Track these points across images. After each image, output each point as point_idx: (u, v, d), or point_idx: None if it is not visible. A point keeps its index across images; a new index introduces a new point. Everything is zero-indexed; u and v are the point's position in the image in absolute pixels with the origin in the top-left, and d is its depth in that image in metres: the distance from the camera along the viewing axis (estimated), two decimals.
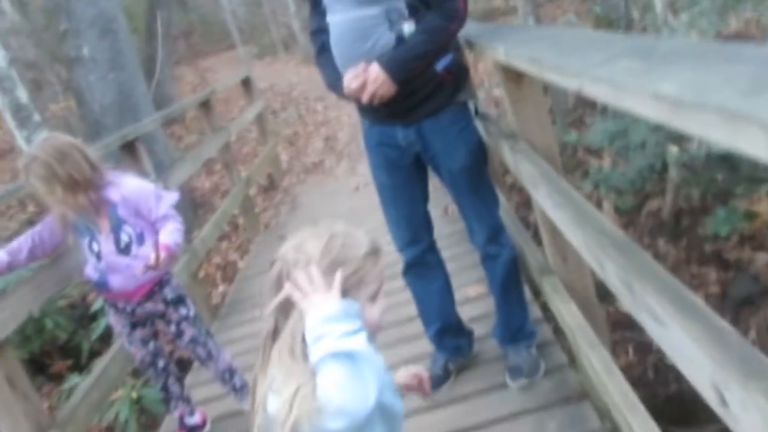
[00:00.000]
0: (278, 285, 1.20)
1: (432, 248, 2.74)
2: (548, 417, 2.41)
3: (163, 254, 2.33)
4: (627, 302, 1.27)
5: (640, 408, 1.62)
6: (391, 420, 1.23)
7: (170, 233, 2.44)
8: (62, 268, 2.64)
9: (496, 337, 2.83)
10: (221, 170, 6.51)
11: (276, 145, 7.73)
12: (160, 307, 2.62)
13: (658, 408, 3.94)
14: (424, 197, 2.68)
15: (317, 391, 1.06)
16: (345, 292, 1.16)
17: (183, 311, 2.67)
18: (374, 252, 1.24)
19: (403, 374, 1.47)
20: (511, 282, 2.70)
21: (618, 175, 4.35)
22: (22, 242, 2.50)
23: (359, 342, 1.09)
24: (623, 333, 4.49)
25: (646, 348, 4.42)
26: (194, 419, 2.89)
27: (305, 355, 1.12)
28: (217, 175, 7.92)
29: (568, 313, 2.10)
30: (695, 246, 4.36)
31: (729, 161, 3.62)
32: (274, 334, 1.21)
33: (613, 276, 1.29)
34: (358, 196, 5.97)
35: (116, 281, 2.51)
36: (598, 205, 4.87)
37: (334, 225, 1.24)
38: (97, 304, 4.61)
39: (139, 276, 2.43)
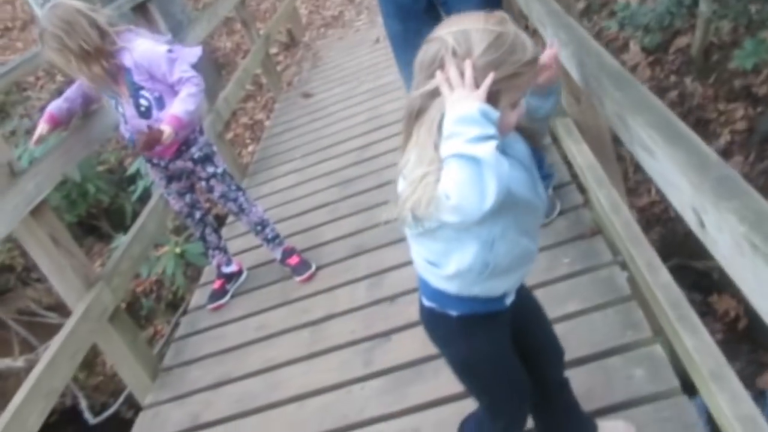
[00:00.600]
0: (430, 66, 1.19)
1: None
2: (562, 253, 2.52)
3: (167, 129, 2.40)
4: (624, 137, 1.30)
5: (643, 240, 1.70)
6: (528, 210, 1.30)
7: (182, 101, 2.46)
8: (90, 131, 2.73)
9: None
10: (242, 29, 6.40)
11: None
12: (189, 165, 2.72)
13: (678, 243, 4.05)
14: None
15: (440, 183, 1.11)
16: (492, 95, 1.14)
17: (210, 169, 2.77)
18: (534, 60, 1.20)
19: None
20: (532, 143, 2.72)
21: (645, 12, 4.18)
22: (75, 89, 2.63)
23: (487, 149, 1.09)
24: (647, 173, 4.52)
25: None
26: (231, 268, 3.08)
27: (438, 145, 1.14)
28: (237, 35, 7.77)
29: (580, 153, 2.14)
30: (724, 82, 4.25)
31: None
32: (418, 113, 1.20)
33: (609, 111, 1.31)
34: (378, 48, 5.86)
35: None
36: (625, 46, 4.72)
37: (506, 22, 1.18)
38: (133, 167, 4.77)
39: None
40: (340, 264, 3.01)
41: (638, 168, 4.49)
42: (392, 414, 2.09)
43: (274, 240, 3.03)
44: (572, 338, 2.13)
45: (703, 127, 4.53)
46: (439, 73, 1.16)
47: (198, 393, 2.52)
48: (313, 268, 2.98)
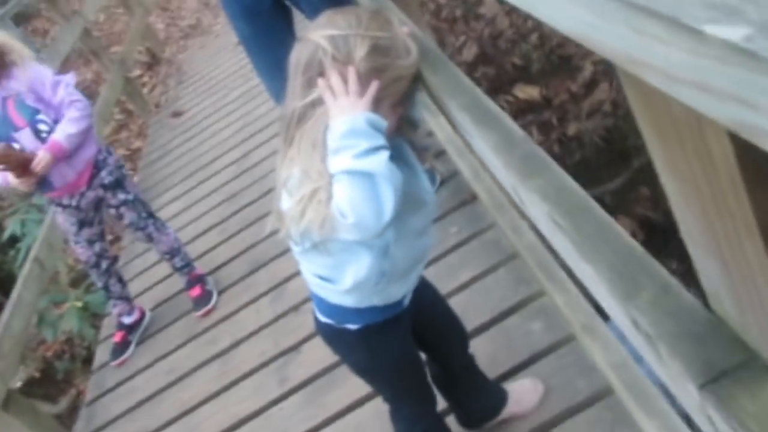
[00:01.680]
0: (308, 71, 1.11)
1: None
2: (448, 223, 2.54)
3: (45, 155, 2.28)
4: (451, 119, 1.29)
5: (506, 204, 1.72)
6: (418, 207, 1.25)
7: (63, 125, 2.35)
8: None
9: None
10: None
11: (147, 15, 7.21)
12: (100, 192, 2.61)
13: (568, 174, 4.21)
14: (293, 39, 2.59)
15: (333, 200, 1.05)
16: (375, 100, 1.09)
17: (121, 196, 2.67)
18: (416, 60, 1.15)
19: None
20: None
21: None
22: None
23: (379, 161, 1.04)
24: (526, 117, 4.64)
25: (548, 126, 4.60)
26: (133, 317, 2.96)
27: (325, 158, 1.07)
28: (95, 64, 7.43)
29: (438, 126, 2.15)
30: None
31: None
32: (299, 121, 1.13)
33: (435, 94, 1.31)
34: (241, 50, 5.68)
35: (57, 175, 2.44)
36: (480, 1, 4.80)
37: (388, 24, 1.13)
38: (8, 230, 4.50)
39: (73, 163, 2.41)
40: (240, 283, 2.94)
41: (518, 113, 4.61)
42: (315, 427, 2.07)
43: (182, 269, 2.93)
44: (470, 307, 2.17)
45: (566, 63, 4.68)
46: (320, 81, 1.09)
47: None
48: (212, 303, 2.88)
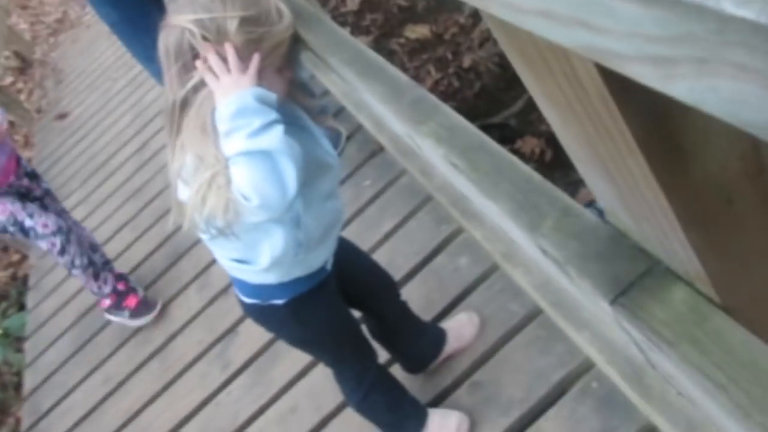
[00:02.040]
0: (180, 56, 1.06)
1: None
2: (361, 177, 2.53)
3: None
4: (337, 75, 1.27)
5: (411, 151, 1.71)
6: (323, 171, 1.22)
7: None
8: None
9: None
10: None
11: (6, 16, 6.71)
12: (26, 182, 2.51)
13: (470, 106, 4.24)
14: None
15: (232, 184, 1.01)
16: (260, 73, 1.05)
17: (44, 185, 2.61)
18: (291, 21, 1.11)
19: None
20: None
21: None
22: None
23: (274, 137, 1.01)
24: (421, 57, 4.63)
25: (444, 61, 4.61)
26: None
27: (216, 141, 1.04)
28: None
29: (331, 83, 2.10)
30: None
31: None
32: (183, 107, 1.08)
33: (317, 52, 1.27)
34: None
35: None
36: None
37: None
38: None
39: None
40: (163, 277, 2.85)
41: (413, 54, 4.60)
42: (266, 404, 2.06)
43: (105, 266, 2.74)
44: (397, 256, 2.18)
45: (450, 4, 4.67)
46: (199, 64, 1.05)
47: None
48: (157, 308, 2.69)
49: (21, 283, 4.42)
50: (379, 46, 4.39)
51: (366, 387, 1.57)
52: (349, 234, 2.39)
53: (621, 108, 0.39)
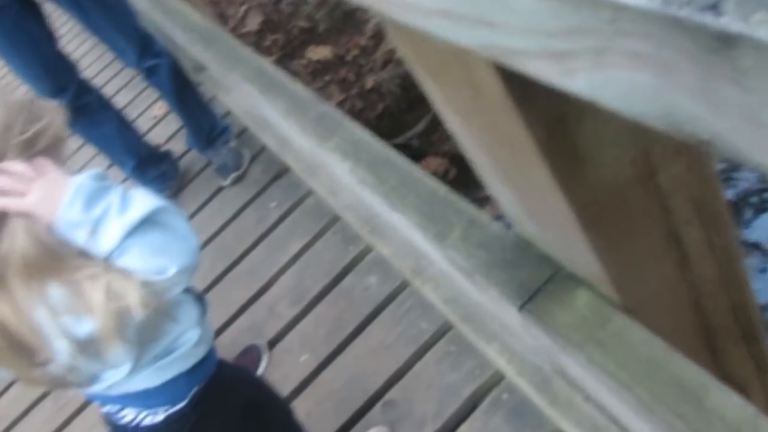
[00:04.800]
0: None
1: (84, 87, 2.49)
2: (267, 199, 2.49)
3: None
4: (238, 93, 1.24)
5: (317, 170, 1.71)
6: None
7: None
8: None
9: (193, 147, 2.77)
10: None
11: None
12: None
13: (373, 126, 4.28)
14: (48, 36, 2.36)
15: (134, 272, 0.89)
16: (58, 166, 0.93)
17: None
18: (58, 108, 0.99)
19: None
20: (181, 88, 2.56)
21: None
22: None
23: (140, 201, 0.90)
24: (323, 78, 4.65)
25: (347, 82, 4.65)
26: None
27: (75, 253, 0.89)
28: None
29: (233, 104, 2.07)
30: None
31: None
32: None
33: (216, 70, 1.24)
34: None
35: None
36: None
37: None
38: None
39: None
40: None
41: (315, 75, 4.60)
42: None
43: None
44: (306, 277, 2.16)
45: (350, 18, 4.72)
46: None
47: None
48: None
49: None
50: (281, 68, 4.36)
51: None
52: (255, 258, 2.35)
53: (523, 113, 0.39)
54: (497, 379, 1.65)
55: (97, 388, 1.09)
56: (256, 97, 1.02)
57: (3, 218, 0.88)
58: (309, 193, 2.37)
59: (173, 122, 3.16)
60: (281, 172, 2.54)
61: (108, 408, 1.19)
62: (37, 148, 0.92)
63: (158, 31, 1.52)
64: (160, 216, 0.92)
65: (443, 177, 3.95)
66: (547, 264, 0.59)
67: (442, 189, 0.71)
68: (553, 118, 0.41)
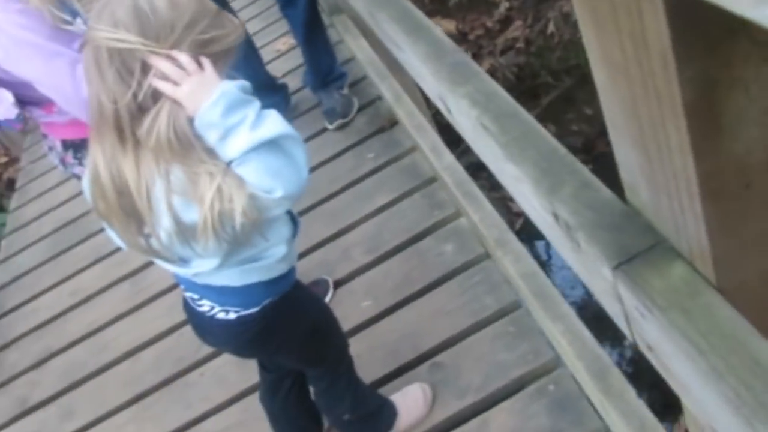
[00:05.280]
0: (113, 63, 0.96)
1: (223, 5, 2.61)
2: (366, 149, 2.56)
3: None
4: (379, 35, 1.30)
5: (427, 127, 1.76)
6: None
7: None
8: None
9: (308, 85, 2.86)
10: None
11: None
12: None
13: None
14: None
15: (247, 183, 0.98)
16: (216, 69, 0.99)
17: None
18: (243, 31, 1.06)
19: None
20: (313, 26, 2.65)
21: None
22: None
23: (273, 122, 0.97)
24: None
25: None
26: None
27: (204, 150, 0.98)
28: None
29: (359, 49, 2.13)
30: None
31: None
32: (135, 115, 0.98)
33: (362, 9, 1.30)
34: None
35: None
36: None
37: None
38: None
39: None
40: None
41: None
42: None
43: None
44: (385, 230, 2.22)
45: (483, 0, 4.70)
46: (152, 77, 0.97)
47: (20, 376, 2.36)
48: None
49: (4, 185, 4.39)
50: None
51: (356, 377, 1.58)
52: (342, 201, 2.43)
53: (679, 70, 0.43)
54: (548, 368, 1.67)
55: (185, 272, 1.19)
56: (398, 37, 1.06)
57: (157, 97, 0.98)
58: (406, 153, 2.43)
59: (293, 59, 3.27)
60: (385, 127, 2.60)
61: (190, 294, 1.29)
62: (208, 50, 0.99)
63: None
64: (285, 142, 1.00)
65: None
66: (651, 234, 0.62)
67: (562, 149, 0.74)
68: (705, 82, 0.44)
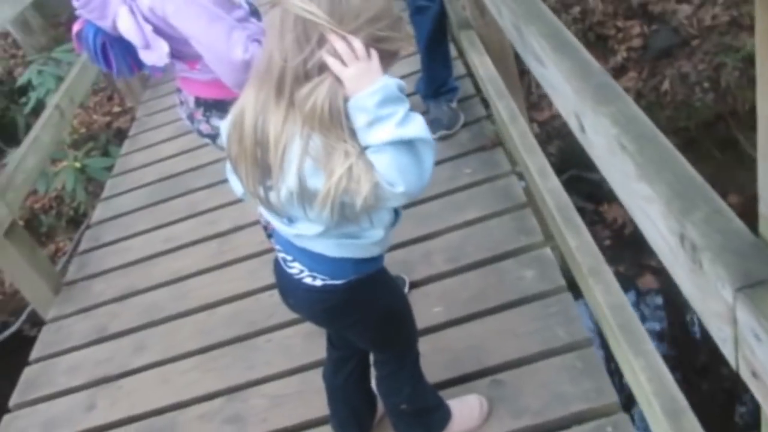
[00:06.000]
0: (296, 28, 1.04)
1: None
2: (464, 164, 2.61)
3: None
4: (519, 47, 1.35)
5: (537, 149, 1.79)
6: None
7: None
8: None
9: (420, 92, 2.93)
10: None
11: None
12: None
13: (576, 155, 4.26)
14: None
15: (376, 171, 1.05)
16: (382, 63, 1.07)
17: None
18: (411, 42, 1.17)
19: None
20: (437, 36, 2.74)
21: None
22: None
23: (418, 125, 1.05)
24: None
25: None
26: None
27: (349, 130, 1.06)
28: None
29: (482, 66, 2.19)
30: (623, 0, 4.40)
31: None
32: (297, 79, 1.06)
33: (507, 21, 1.36)
34: None
35: None
36: None
37: None
38: (23, 77, 4.47)
39: None
40: None
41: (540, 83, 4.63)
42: (298, 319, 2.17)
43: None
44: (470, 243, 2.26)
45: (602, 43, 4.69)
46: (324, 52, 1.05)
47: (103, 305, 2.51)
48: None
49: (113, 133, 4.66)
50: None
51: (419, 371, 1.62)
52: (433, 207, 2.49)
53: None
54: (609, 410, 1.67)
55: (287, 231, 1.27)
56: (544, 51, 1.11)
57: (323, 69, 1.06)
58: (503, 175, 2.47)
59: (408, 65, 3.36)
60: (486, 146, 2.65)
61: (283, 255, 1.37)
62: (380, 46, 1.07)
63: None
64: (420, 145, 1.07)
65: (619, 230, 3.88)
66: None
67: (699, 178, 0.77)
68: None
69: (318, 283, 1.32)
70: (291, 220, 1.24)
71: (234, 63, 1.50)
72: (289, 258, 1.35)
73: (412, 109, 1.08)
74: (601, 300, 1.33)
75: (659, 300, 3.67)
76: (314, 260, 1.30)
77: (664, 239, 0.79)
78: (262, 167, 1.14)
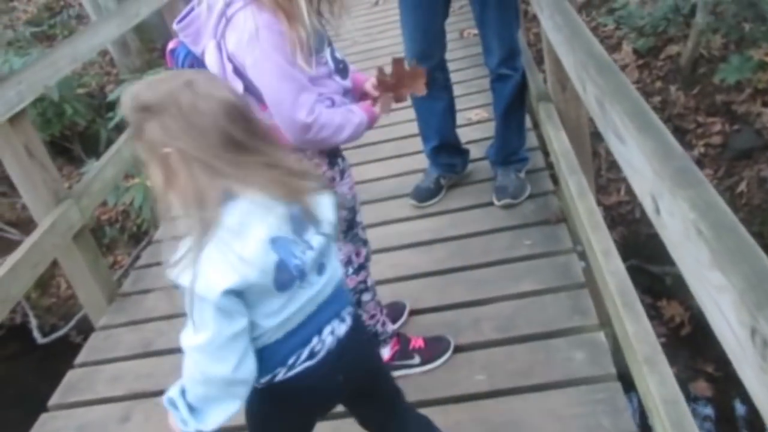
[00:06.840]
0: None
1: (442, 66, 2.77)
2: (524, 235, 2.59)
3: None
4: (599, 123, 1.35)
5: (603, 228, 1.76)
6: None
7: None
8: (76, 48, 2.70)
9: (490, 157, 2.95)
10: None
11: None
12: None
13: (639, 245, 4.17)
14: (444, 12, 2.68)
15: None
16: None
17: None
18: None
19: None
20: (515, 105, 2.76)
21: (642, 14, 4.24)
22: None
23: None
24: (619, 173, 4.63)
25: None
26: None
27: None
28: None
29: (557, 139, 2.19)
30: (707, 95, 4.35)
31: (756, 7, 3.51)
32: None
33: (591, 96, 1.36)
34: (376, 11, 5.84)
35: None
36: (618, 45, 4.78)
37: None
38: (113, 94, 4.70)
39: None
40: None
41: (611, 166, 4.58)
42: None
43: None
44: (521, 315, 2.22)
45: (680, 136, 4.64)
46: None
47: (152, 321, 2.56)
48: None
49: None
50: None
51: None
52: (488, 274, 2.46)
53: None
54: None
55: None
56: (627, 131, 1.11)
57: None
58: (563, 252, 2.43)
59: (480, 131, 3.40)
60: (550, 220, 2.63)
61: (324, 328, 1.31)
62: None
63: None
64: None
65: (676, 328, 3.74)
66: None
67: None
68: None
69: (348, 321, 1.27)
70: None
71: (296, 123, 1.54)
72: (327, 330, 1.25)
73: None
74: (655, 391, 1.27)
75: (711, 410, 3.49)
76: (334, 297, 1.25)
77: (733, 332, 0.76)
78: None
